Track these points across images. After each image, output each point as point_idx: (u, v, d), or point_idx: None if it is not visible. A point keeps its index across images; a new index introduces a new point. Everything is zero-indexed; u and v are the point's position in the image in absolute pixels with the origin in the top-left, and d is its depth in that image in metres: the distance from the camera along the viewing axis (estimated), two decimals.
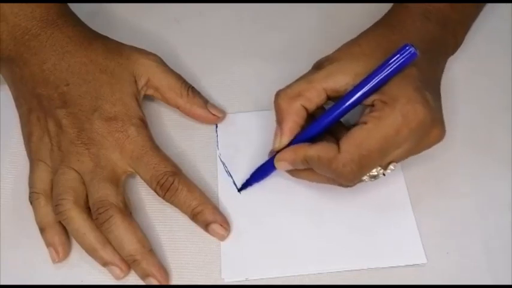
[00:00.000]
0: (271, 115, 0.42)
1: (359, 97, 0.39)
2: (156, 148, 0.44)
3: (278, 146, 0.41)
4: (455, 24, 0.46)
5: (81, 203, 0.42)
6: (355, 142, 0.38)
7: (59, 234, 0.42)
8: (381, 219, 0.43)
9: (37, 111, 0.44)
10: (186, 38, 0.53)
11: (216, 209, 0.43)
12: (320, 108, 0.42)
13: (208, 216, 0.42)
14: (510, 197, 0.44)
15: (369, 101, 0.39)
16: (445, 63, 0.46)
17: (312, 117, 0.42)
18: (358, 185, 0.41)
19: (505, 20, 0.53)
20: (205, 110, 0.47)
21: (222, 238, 0.43)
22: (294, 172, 0.43)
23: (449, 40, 0.46)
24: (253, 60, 0.52)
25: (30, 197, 0.43)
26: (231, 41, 0.53)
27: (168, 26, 0.54)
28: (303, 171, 0.42)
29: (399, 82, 0.38)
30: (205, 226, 0.43)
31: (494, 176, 0.45)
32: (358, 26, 0.46)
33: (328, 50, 0.43)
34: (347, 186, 0.41)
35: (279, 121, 0.42)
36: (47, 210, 0.42)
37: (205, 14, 0.55)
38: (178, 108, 0.47)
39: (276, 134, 0.42)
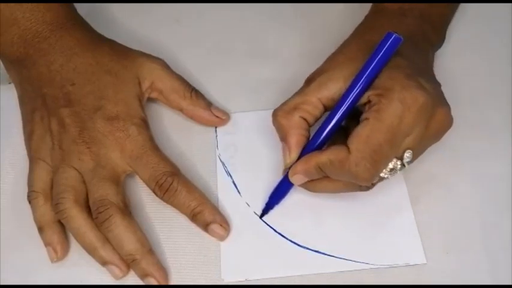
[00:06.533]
0: (271, 115, 0.42)
1: (355, 95, 0.39)
2: (155, 148, 0.44)
3: (289, 161, 0.41)
4: (434, 17, 0.46)
5: (81, 202, 0.42)
6: (362, 139, 0.38)
7: (57, 233, 0.42)
8: (381, 219, 0.43)
9: (41, 110, 0.45)
10: (186, 38, 0.53)
11: (215, 209, 0.43)
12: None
13: (207, 216, 0.42)
14: (510, 197, 0.44)
15: (364, 98, 0.39)
16: (433, 55, 0.47)
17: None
18: None
19: (505, 20, 0.53)
20: (209, 112, 0.47)
21: (222, 238, 0.43)
22: (310, 185, 0.42)
23: (430, 32, 0.46)
24: (253, 61, 0.52)
25: (28, 196, 0.43)
26: (230, 41, 0.53)
27: (168, 26, 0.54)
28: (320, 182, 0.41)
29: (389, 74, 0.39)
30: (205, 226, 0.42)
31: (494, 176, 0.45)
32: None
33: (328, 50, 0.43)
34: (367, 188, 0.41)
35: (283, 138, 0.41)
36: (46, 209, 0.42)
37: (205, 14, 0.55)
38: (181, 110, 0.47)
39: (284, 151, 0.41)
